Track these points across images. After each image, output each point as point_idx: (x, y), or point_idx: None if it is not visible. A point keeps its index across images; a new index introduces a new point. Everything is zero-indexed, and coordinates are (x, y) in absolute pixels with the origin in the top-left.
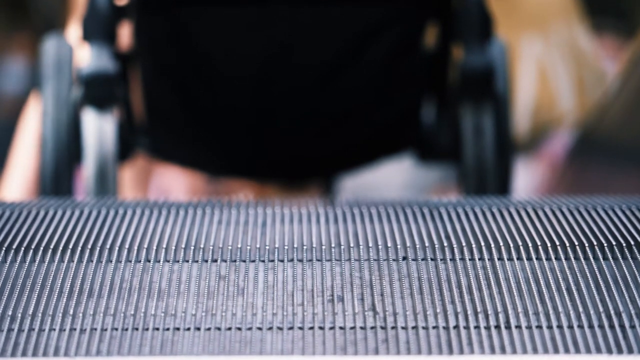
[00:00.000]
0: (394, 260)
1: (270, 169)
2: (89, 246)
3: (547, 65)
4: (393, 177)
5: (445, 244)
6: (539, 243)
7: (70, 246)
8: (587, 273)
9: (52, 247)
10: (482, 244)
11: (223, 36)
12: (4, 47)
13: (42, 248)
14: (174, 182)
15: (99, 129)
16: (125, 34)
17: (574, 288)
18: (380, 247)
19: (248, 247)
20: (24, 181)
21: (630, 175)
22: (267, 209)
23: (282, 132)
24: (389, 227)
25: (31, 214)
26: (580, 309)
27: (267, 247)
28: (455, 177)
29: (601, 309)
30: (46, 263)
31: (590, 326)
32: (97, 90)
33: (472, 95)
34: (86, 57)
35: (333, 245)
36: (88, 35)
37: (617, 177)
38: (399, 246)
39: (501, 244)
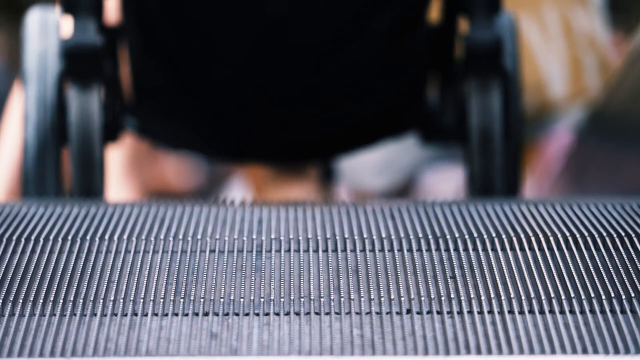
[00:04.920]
0: (397, 313)
1: (266, 152)
2: (71, 297)
3: (536, 45)
4: (368, 158)
5: (452, 293)
6: (552, 294)
7: (52, 297)
8: (604, 329)
9: (32, 298)
10: (492, 294)
11: (214, 8)
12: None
13: (21, 298)
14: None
15: (83, 107)
16: (113, 6)
17: (590, 349)
18: (382, 298)
19: (242, 299)
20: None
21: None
22: (263, 235)
23: (279, 112)
24: (391, 260)
25: (9, 246)
26: None
27: (262, 299)
28: (439, 157)
29: None
30: (26, 317)
31: None
32: (81, 65)
33: (478, 72)
34: (69, 31)
35: (332, 295)
36: (71, 7)
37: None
38: (402, 297)
39: (512, 294)
